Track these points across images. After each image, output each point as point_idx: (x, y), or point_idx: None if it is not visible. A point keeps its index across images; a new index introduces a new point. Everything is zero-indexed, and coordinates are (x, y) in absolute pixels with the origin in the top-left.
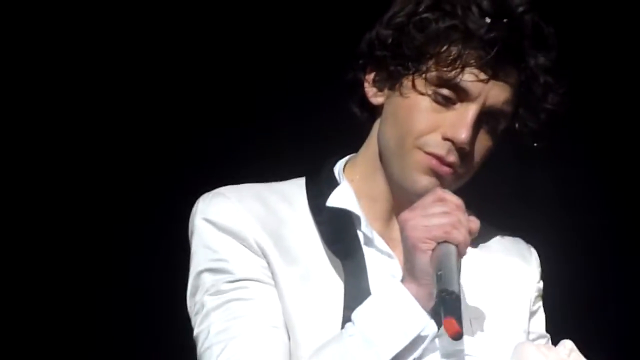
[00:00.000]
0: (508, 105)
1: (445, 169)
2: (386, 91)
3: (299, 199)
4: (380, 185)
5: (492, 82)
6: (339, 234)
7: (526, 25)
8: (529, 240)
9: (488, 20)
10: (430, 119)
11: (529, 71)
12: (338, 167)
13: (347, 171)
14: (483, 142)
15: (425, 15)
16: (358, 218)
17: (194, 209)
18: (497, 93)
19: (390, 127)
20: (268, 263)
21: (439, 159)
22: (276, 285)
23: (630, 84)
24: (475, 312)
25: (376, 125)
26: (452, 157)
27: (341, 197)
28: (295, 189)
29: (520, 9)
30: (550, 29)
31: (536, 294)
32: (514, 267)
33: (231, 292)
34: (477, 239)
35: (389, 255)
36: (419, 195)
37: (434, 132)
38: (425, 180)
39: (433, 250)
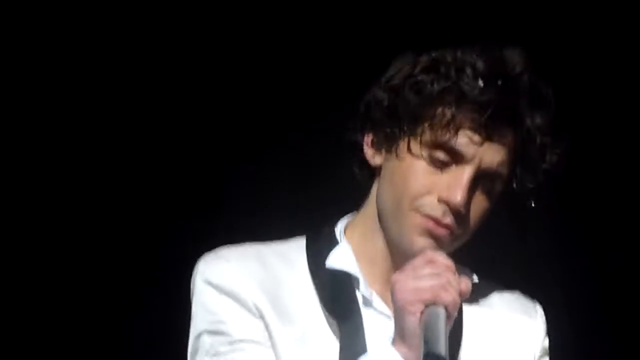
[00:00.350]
0: (504, 167)
1: (442, 231)
2: (384, 153)
3: (299, 260)
4: (379, 246)
5: (487, 144)
6: (337, 296)
7: (522, 85)
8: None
9: (481, 82)
10: (425, 181)
11: (525, 132)
12: (339, 227)
13: (348, 231)
14: (479, 203)
15: (420, 77)
16: (357, 279)
17: (195, 270)
18: (492, 154)
19: (387, 189)
20: (265, 325)
21: (435, 221)
22: (273, 346)
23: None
24: None
25: (375, 186)
26: (448, 219)
27: (340, 258)
28: (295, 249)
29: (517, 69)
30: (548, 88)
31: (540, 352)
32: (516, 324)
33: (230, 354)
34: (478, 296)
35: (388, 317)
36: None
37: (430, 195)
38: (422, 242)
39: (422, 312)
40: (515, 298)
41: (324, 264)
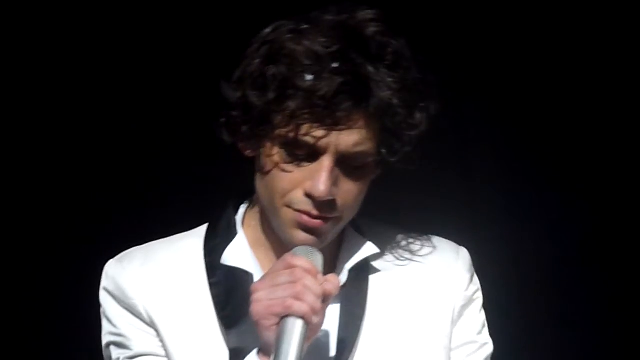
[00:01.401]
0: (364, 145)
1: (315, 222)
2: (248, 131)
3: (196, 257)
4: (273, 236)
5: (337, 130)
6: (231, 296)
7: (366, 57)
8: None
9: (310, 77)
10: (289, 177)
11: (377, 103)
12: (240, 213)
13: (246, 219)
14: (351, 184)
15: (258, 76)
16: (252, 276)
17: (106, 276)
18: (346, 138)
19: (260, 185)
20: (157, 332)
21: (307, 214)
22: (167, 354)
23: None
24: (384, 342)
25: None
26: (320, 210)
27: (235, 254)
28: (194, 244)
29: (360, 39)
30: (397, 44)
31: (462, 302)
32: (431, 278)
33: None
34: (388, 259)
35: None
36: None
37: (297, 189)
38: (301, 236)
39: (278, 324)
40: (434, 248)
41: (220, 261)
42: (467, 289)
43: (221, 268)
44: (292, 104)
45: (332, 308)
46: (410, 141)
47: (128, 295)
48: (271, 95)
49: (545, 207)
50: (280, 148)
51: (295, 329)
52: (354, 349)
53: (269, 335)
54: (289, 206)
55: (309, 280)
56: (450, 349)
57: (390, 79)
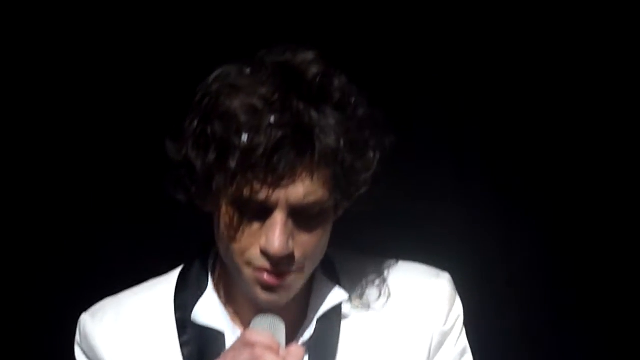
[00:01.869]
0: (314, 194)
1: (275, 281)
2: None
3: (167, 310)
4: (241, 289)
5: (285, 184)
6: (202, 357)
7: (301, 107)
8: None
9: (245, 136)
10: (245, 235)
11: (322, 151)
12: (211, 261)
13: (216, 269)
14: (308, 234)
15: (198, 133)
16: (222, 335)
17: (77, 333)
18: (294, 192)
19: (220, 241)
20: None
21: (267, 271)
22: None
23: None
24: None
25: None
26: (279, 266)
27: (206, 310)
28: (166, 294)
29: (299, 88)
30: (340, 82)
31: (439, 337)
32: (407, 319)
33: None
34: (369, 293)
35: None
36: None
37: (253, 247)
38: (264, 295)
39: None
40: (411, 280)
41: (190, 317)
42: (445, 323)
43: (192, 326)
44: (231, 164)
45: None
46: (364, 182)
47: (98, 355)
48: (211, 156)
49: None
50: (231, 207)
51: None
52: None
53: None
54: (248, 264)
55: (268, 357)
56: None
57: (334, 122)
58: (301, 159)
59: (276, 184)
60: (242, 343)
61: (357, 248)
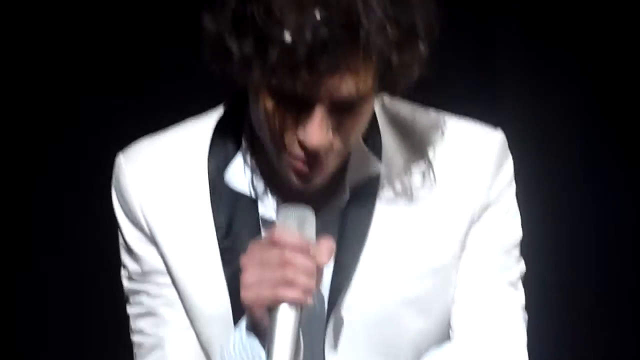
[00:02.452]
0: (359, 88)
1: (310, 170)
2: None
3: (200, 161)
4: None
5: (325, 81)
6: (232, 226)
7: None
8: None
9: (287, 33)
10: (284, 123)
11: (371, 51)
12: (247, 119)
13: (249, 128)
14: (349, 122)
15: (235, 15)
16: (256, 203)
17: (113, 173)
18: (337, 86)
19: (256, 121)
20: (159, 252)
21: (302, 161)
22: (169, 272)
23: None
24: (385, 270)
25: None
26: (316, 157)
27: (238, 173)
28: (201, 141)
29: None
30: None
31: (483, 202)
32: (449, 184)
33: (141, 284)
34: (411, 156)
35: None
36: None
37: (291, 136)
38: (299, 182)
39: (270, 310)
40: (459, 138)
41: (224, 177)
42: (491, 186)
43: (223, 187)
44: (271, 58)
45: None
46: (411, 76)
47: (132, 208)
48: (248, 44)
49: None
50: (268, 94)
51: (287, 318)
52: (351, 278)
53: (261, 323)
54: (285, 150)
55: (299, 259)
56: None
57: (384, 15)
58: (346, 58)
59: (318, 81)
60: (270, 242)
61: None
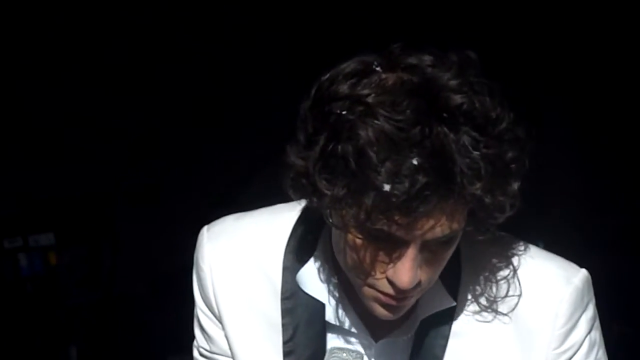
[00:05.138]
0: (452, 228)
1: (397, 303)
2: (314, 200)
3: (278, 253)
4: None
5: (423, 220)
6: (298, 326)
7: (444, 144)
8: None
9: (384, 179)
10: (372, 262)
11: (465, 196)
12: (326, 230)
13: (325, 233)
14: (436, 259)
15: (324, 154)
16: (323, 305)
17: (196, 246)
18: (433, 226)
19: (338, 254)
20: (226, 335)
21: (390, 297)
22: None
23: None
24: None
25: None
26: (404, 294)
27: (310, 277)
28: (282, 235)
29: (445, 122)
30: (489, 109)
31: (558, 349)
32: (522, 332)
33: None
34: (483, 296)
35: (363, 340)
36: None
37: (379, 274)
38: (382, 311)
39: None
40: (536, 280)
41: (296, 276)
42: (560, 345)
43: (295, 287)
44: (367, 202)
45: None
46: (502, 212)
47: (203, 280)
48: (340, 188)
49: None
50: (357, 232)
51: None
52: None
53: None
54: (370, 287)
55: None
56: None
57: (478, 156)
58: (441, 202)
59: (413, 224)
60: None
61: None
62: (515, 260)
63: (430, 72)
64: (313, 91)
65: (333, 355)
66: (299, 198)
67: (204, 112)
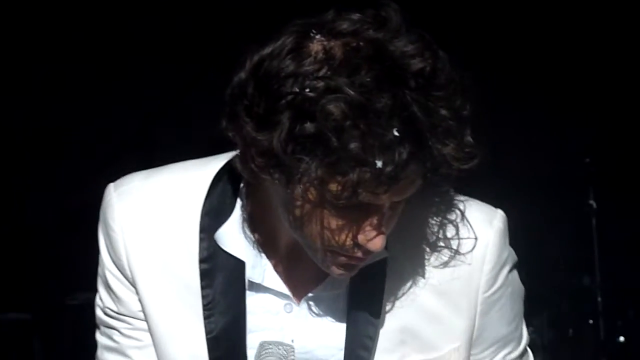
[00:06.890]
0: (417, 185)
1: (360, 262)
2: (276, 176)
3: (194, 215)
4: (283, 228)
5: (399, 186)
6: (220, 282)
7: (414, 110)
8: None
9: (378, 162)
10: (340, 230)
11: (437, 158)
12: (245, 186)
13: (251, 198)
14: (395, 217)
15: (292, 134)
16: (243, 263)
17: (102, 204)
18: (401, 191)
19: (291, 223)
20: (139, 297)
21: (356, 259)
22: (146, 319)
23: None
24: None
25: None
26: (369, 253)
27: (230, 235)
28: (197, 194)
29: (416, 95)
30: (444, 69)
31: (487, 293)
32: (454, 274)
33: (115, 322)
34: (416, 242)
35: (283, 295)
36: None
37: (345, 238)
38: (340, 272)
39: None
40: (463, 223)
41: (214, 236)
42: (491, 287)
43: (214, 247)
44: (352, 177)
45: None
46: (466, 165)
47: (114, 241)
48: (320, 168)
49: None
50: (323, 197)
51: None
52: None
53: None
54: (332, 251)
55: None
56: (469, 349)
57: (450, 125)
58: (418, 167)
59: (390, 193)
60: None
61: None
62: (442, 205)
63: (373, 34)
64: (249, 67)
65: (264, 350)
66: (255, 176)
67: None
